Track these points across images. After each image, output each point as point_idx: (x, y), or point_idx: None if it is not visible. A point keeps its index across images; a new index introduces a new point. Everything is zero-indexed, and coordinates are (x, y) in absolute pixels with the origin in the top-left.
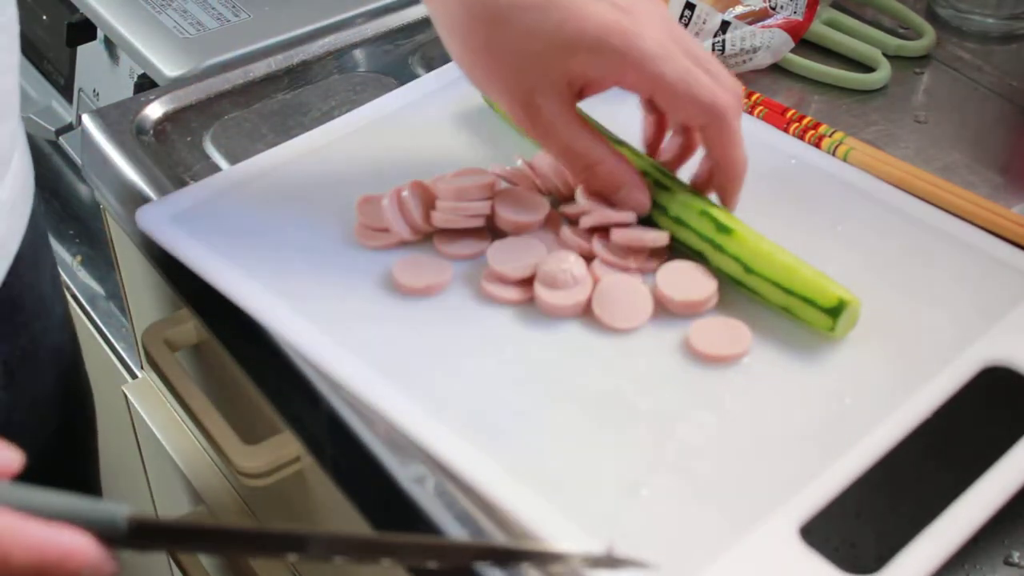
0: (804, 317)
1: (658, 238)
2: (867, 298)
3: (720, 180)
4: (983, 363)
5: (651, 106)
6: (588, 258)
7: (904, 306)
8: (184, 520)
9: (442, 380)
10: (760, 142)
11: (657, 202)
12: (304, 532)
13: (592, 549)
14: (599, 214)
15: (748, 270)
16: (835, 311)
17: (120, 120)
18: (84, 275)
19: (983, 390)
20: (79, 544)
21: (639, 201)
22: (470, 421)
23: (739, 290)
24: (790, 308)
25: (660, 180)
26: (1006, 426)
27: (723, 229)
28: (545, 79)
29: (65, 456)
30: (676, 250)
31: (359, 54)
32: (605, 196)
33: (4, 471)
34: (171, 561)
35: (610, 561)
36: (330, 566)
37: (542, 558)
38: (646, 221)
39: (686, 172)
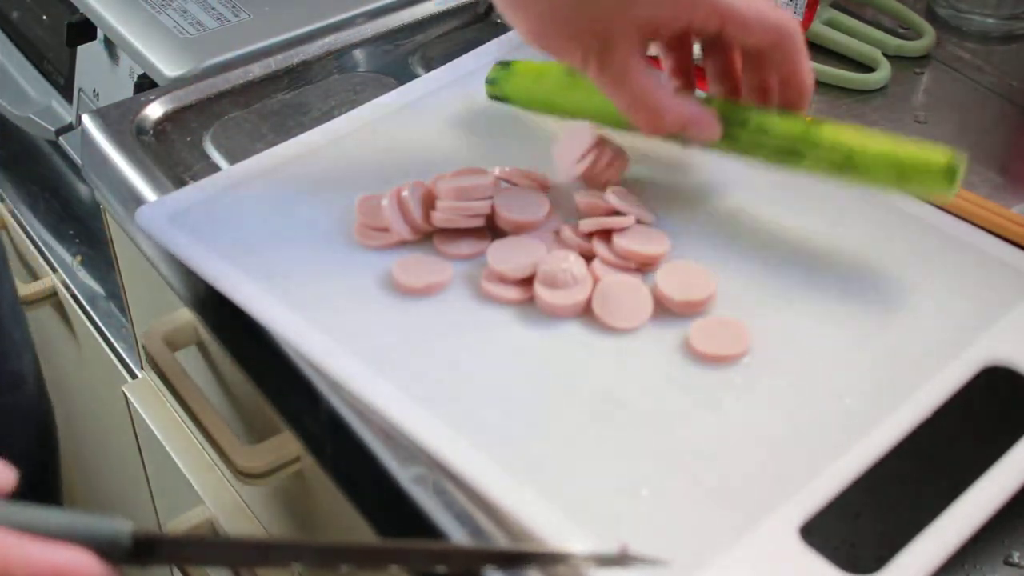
0: (921, 184)
1: (658, 247)
2: (866, 298)
3: (790, 97)
4: (983, 363)
5: (712, 47)
6: (588, 258)
7: (904, 306)
8: (189, 534)
9: (442, 380)
10: None
11: (734, 119)
12: (309, 542)
13: (604, 549)
14: (598, 220)
15: (851, 155)
16: (951, 172)
17: (120, 120)
18: (84, 275)
19: (983, 390)
20: (81, 561)
21: (711, 130)
22: (470, 421)
23: (840, 179)
24: (906, 178)
25: (729, 104)
26: (1006, 426)
27: (815, 123)
28: (618, 26)
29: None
30: (766, 161)
31: (359, 54)
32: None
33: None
34: (174, 573)
35: (623, 560)
36: (337, 575)
37: (553, 559)
38: (730, 143)
39: None
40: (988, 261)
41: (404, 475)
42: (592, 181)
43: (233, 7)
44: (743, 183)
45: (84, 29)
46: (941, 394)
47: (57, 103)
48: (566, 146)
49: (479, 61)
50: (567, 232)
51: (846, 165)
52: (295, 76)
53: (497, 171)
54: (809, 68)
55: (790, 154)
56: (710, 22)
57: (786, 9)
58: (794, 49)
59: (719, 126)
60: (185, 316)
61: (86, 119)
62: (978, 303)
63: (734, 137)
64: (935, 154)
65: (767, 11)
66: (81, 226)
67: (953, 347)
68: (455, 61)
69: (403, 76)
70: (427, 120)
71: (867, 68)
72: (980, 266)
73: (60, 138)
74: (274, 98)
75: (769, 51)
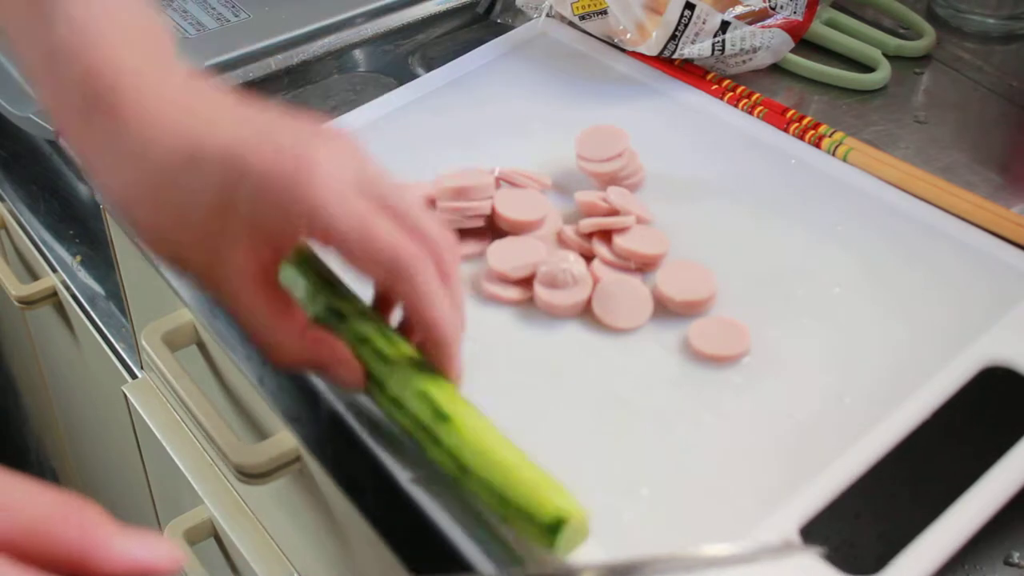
0: (523, 531)
1: (658, 247)
2: (867, 298)
3: (425, 347)
4: (983, 363)
5: None
6: (588, 258)
7: (903, 306)
8: None
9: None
10: (760, 142)
11: (376, 377)
12: None
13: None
14: (598, 220)
15: (463, 469)
16: (553, 528)
17: None
18: (84, 275)
19: (983, 390)
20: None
21: (346, 379)
22: None
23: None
24: (506, 519)
25: (383, 350)
26: (1006, 426)
27: (441, 416)
28: (222, 248)
29: None
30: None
31: (359, 54)
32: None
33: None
34: None
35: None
36: None
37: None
38: (374, 398)
39: None
40: (987, 261)
41: (404, 475)
42: (610, 183)
43: (233, 7)
44: (743, 182)
45: None
46: (941, 394)
47: None
48: (592, 142)
49: (479, 60)
50: (567, 232)
51: (459, 477)
52: (295, 76)
53: (497, 171)
54: (440, 314)
55: (418, 437)
56: (315, 238)
57: (786, 9)
58: (410, 290)
59: (358, 376)
60: (185, 316)
61: None
62: (978, 303)
63: (374, 395)
64: (549, 505)
65: (383, 241)
66: (81, 226)
67: (953, 347)
68: (455, 61)
69: (403, 76)
70: (427, 120)
71: (867, 68)
72: (979, 266)
73: (60, 138)
74: (274, 98)
75: (387, 290)
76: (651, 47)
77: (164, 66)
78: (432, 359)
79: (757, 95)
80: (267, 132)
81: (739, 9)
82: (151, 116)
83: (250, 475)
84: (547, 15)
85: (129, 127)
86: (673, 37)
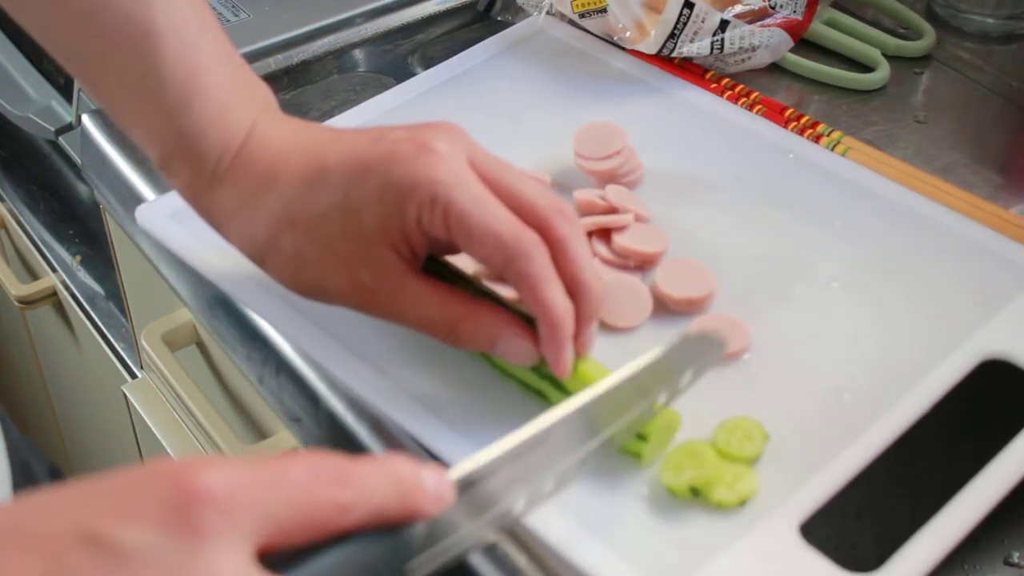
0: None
1: (657, 245)
2: (866, 293)
3: (539, 328)
4: (981, 357)
5: None
6: None
7: (902, 300)
8: None
9: (442, 380)
10: (759, 138)
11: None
12: None
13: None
14: (596, 218)
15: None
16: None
17: None
18: (84, 275)
19: (982, 384)
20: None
21: (521, 350)
22: (470, 420)
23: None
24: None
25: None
26: (1005, 420)
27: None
28: (363, 252)
29: None
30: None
31: (359, 54)
32: (485, 350)
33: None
34: None
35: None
36: None
37: None
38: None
39: None
40: (986, 255)
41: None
42: (609, 181)
43: (233, 7)
44: (742, 179)
45: None
46: (940, 388)
47: (57, 103)
48: (590, 139)
49: (477, 58)
50: None
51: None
52: (295, 76)
53: None
54: (552, 300)
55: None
56: (435, 221)
57: (785, 8)
58: (527, 275)
59: (532, 345)
60: (185, 316)
61: (86, 119)
62: (976, 297)
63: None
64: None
65: (503, 220)
66: (81, 226)
67: (952, 341)
68: (453, 59)
69: (403, 76)
70: (425, 118)
71: (867, 68)
72: (978, 260)
73: (60, 138)
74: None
75: (502, 271)
76: (650, 45)
77: (273, 108)
78: (545, 339)
79: (756, 94)
80: (382, 134)
81: (738, 8)
82: (274, 146)
83: None
84: (547, 13)
85: (256, 163)
86: (672, 35)
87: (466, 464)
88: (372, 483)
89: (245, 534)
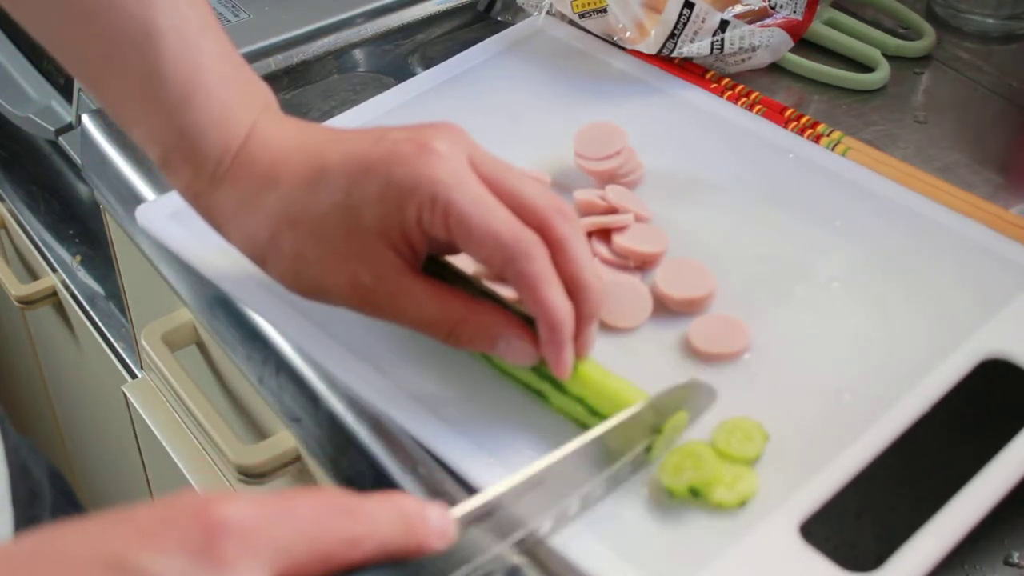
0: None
1: (657, 245)
2: (866, 293)
3: (539, 328)
4: (981, 357)
5: None
6: None
7: (902, 300)
8: None
9: (442, 380)
10: (759, 138)
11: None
12: None
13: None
14: (596, 219)
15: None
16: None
17: None
18: (84, 275)
19: (982, 384)
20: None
21: (521, 351)
22: (470, 420)
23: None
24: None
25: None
26: (1005, 420)
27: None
28: (364, 252)
29: None
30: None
31: (359, 54)
32: (485, 351)
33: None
34: None
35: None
36: None
37: None
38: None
39: None
40: (986, 255)
41: (404, 476)
42: (609, 181)
43: (233, 7)
44: (741, 179)
45: None
46: (940, 388)
47: (57, 103)
48: (590, 140)
49: (477, 58)
50: None
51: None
52: (295, 76)
53: None
54: (552, 300)
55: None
56: (436, 221)
57: (785, 8)
58: (527, 275)
59: (533, 346)
60: (185, 316)
61: (86, 119)
62: (976, 297)
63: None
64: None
65: (502, 220)
66: (81, 226)
67: (952, 341)
68: (453, 59)
69: (403, 76)
70: (424, 118)
71: (867, 68)
72: (978, 260)
73: (60, 138)
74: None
75: (502, 271)
76: (650, 45)
77: (274, 108)
78: (545, 339)
79: (756, 94)
80: (382, 134)
81: (738, 8)
82: (275, 145)
83: (250, 475)
84: (547, 13)
85: (257, 163)
86: (672, 35)
87: (470, 502)
88: (379, 517)
89: (263, 564)
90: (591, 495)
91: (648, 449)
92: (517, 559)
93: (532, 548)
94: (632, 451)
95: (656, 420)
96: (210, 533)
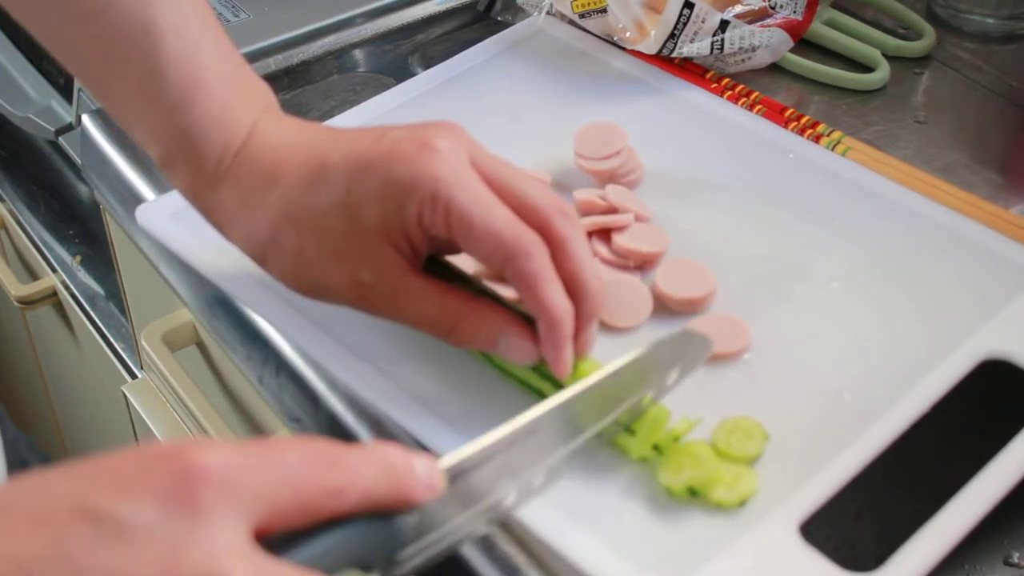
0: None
1: (657, 245)
2: (866, 293)
3: (539, 328)
4: (981, 357)
5: None
6: None
7: (902, 300)
8: None
9: (441, 379)
10: (759, 138)
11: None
12: None
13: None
14: (596, 219)
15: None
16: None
17: None
18: (84, 275)
19: (982, 384)
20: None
21: (521, 350)
22: (470, 420)
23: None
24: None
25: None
26: (1005, 420)
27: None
28: (364, 250)
29: None
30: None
31: (359, 54)
32: (486, 349)
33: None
34: None
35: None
36: None
37: None
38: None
39: None
40: (986, 255)
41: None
42: (609, 181)
43: (233, 7)
44: (741, 179)
45: None
46: (940, 388)
47: (57, 103)
48: (590, 139)
49: (477, 58)
50: None
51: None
52: (295, 76)
53: None
54: (552, 300)
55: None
56: (436, 219)
57: (785, 8)
58: (527, 274)
59: (533, 345)
60: (185, 316)
61: (86, 119)
62: (976, 297)
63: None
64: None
65: (503, 219)
66: (81, 226)
67: (952, 341)
68: (453, 59)
69: (403, 76)
70: (424, 118)
71: (867, 68)
72: (978, 260)
73: (60, 138)
74: None
75: (502, 270)
76: (650, 45)
77: (274, 108)
78: (544, 339)
79: (756, 94)
80: (382, 132)
81: (738, 8)
82: (276, 144)
83: None
84: (547, 13)
85: (257, 162)
86: (672, 36)
87: (456, 454)
88: (364, 468)
89: (242, 513)
90: (564, 461)
91: (630, 431)
92: (516, 556)
93: (530, 546)
94: (614, 412)
95: (645, 380)
96: (185, 479)
